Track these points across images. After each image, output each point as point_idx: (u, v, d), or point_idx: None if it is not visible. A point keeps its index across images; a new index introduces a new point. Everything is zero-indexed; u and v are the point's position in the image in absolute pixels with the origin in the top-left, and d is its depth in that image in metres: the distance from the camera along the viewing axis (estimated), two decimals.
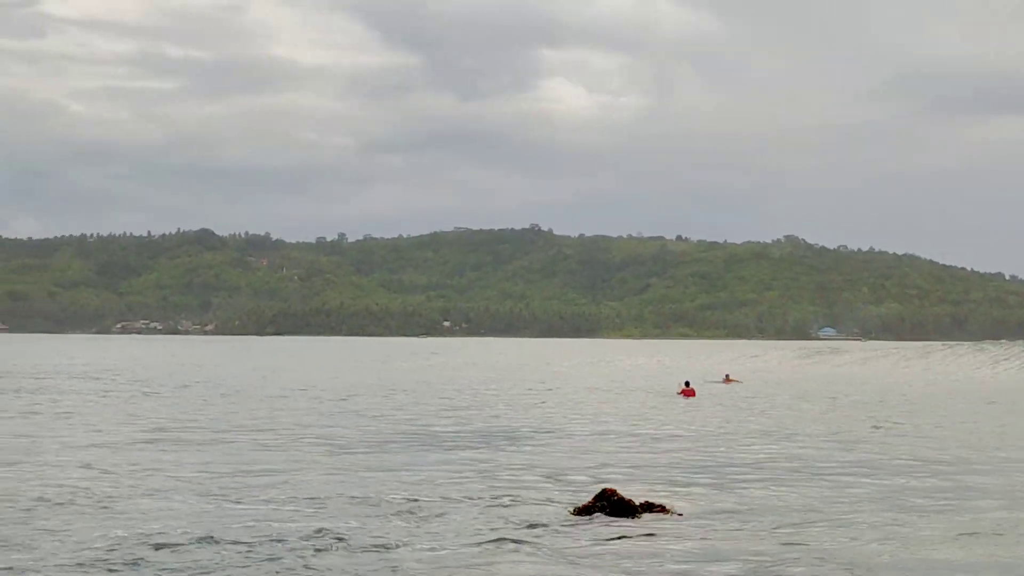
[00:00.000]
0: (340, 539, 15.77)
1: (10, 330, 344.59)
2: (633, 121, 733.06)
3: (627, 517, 17.31)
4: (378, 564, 14.27)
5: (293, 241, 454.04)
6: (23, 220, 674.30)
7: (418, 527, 16.86)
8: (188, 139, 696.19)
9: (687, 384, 54.72)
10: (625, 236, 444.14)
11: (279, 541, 15.51)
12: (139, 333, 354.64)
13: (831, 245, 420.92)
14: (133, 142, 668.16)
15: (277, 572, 13.80)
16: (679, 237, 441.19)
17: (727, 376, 70.85)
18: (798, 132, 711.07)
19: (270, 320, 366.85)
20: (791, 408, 45.42)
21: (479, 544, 15.61)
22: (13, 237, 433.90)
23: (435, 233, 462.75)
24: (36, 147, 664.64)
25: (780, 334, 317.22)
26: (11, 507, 18.27)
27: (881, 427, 35.40)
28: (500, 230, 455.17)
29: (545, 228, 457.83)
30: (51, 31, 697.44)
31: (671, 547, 15.36)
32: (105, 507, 18.42)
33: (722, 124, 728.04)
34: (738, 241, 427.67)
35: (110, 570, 13.92)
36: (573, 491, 20.13)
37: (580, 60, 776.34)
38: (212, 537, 15.71)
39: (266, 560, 14.37)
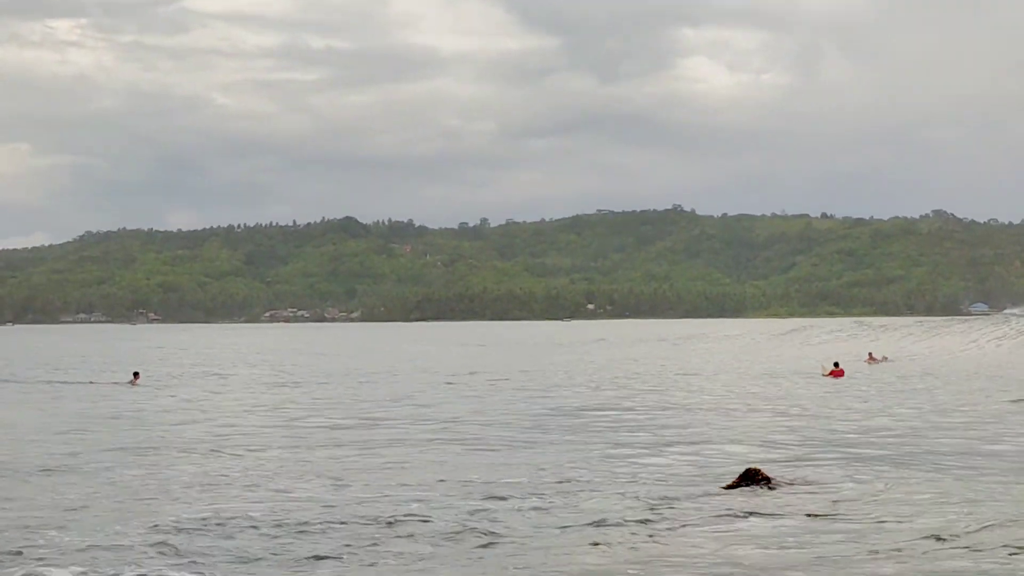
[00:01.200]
0: (492, 517, 16.13)
1: (163, 320, 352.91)
2: (775, 99, 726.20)
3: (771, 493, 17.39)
4: (537, 539, 14.58)
5: (436, 227, 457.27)
6: (175, 213, 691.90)
7: (575, 501, 17.25)
8: (332, 129, 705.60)
9: (836, 365, 53.98)
10: (769, 215, 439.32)
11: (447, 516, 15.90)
12: (287, 321, 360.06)
13: (981, 219, 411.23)
14: (278, 133, 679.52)
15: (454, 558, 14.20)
16: (824, 215, 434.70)
17: (870, 355, 69.27)
18: (944, 106, 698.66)
19: (415, 306, 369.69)
20: (943, 389, 44.61)
21: (633, 519, 16.04)
22: (164, 229, 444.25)
23: (577, 216, 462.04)
24: (185, 141, 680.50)
25: (930, 311, 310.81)
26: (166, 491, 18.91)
27: None
28: (642, 211, 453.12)
29: (688, 208, 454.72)
30: (195, 26, 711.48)
31: (811, 526, 15.41)
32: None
33: (866, 100, 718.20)
34: (884, 217, 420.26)
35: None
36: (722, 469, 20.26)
37: (721, 39, 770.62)
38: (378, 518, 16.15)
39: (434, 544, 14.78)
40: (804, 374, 55.19)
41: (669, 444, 24.96)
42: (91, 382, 49.95)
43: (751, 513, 16.29)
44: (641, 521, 15.95)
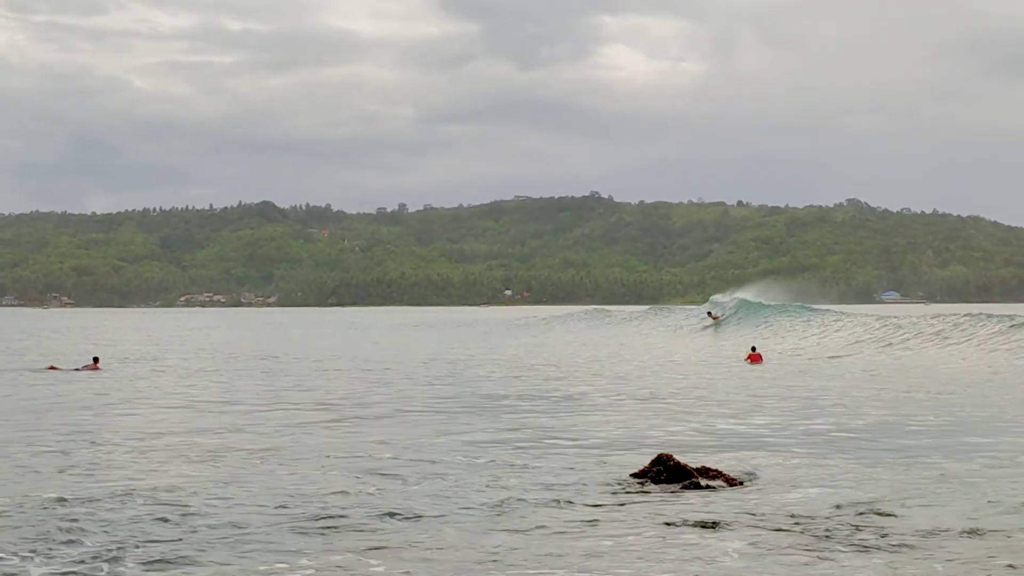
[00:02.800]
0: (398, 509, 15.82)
1: (76, 304, 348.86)
2: (693, 87, 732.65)
3: (682, 481, 17.19)
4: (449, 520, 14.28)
5: (354, 212, 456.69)
6: (90, 196, 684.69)
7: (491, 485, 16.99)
8: (249, 112, 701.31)
9: (753, 349, 53.86)
10: (686, 202, 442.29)
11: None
12: (202, 306, 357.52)
13: (894, 208, 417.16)
14: (195, 116, 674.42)
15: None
16: (740, 203, 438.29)
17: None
18: (860, 95, 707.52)
19: (332, 291, 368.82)
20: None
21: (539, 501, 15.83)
22: (79, 212, 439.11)
23: (495, 202, 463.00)
24: (101, 123, 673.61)
25: (844, 298, 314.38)
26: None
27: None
28: (560, 198, 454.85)
29: (605, 195, 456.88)
30: (112, 7, 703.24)
31: (719, 511, 15.26)
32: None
33: (782, 88, 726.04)
34: (800, 206, 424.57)
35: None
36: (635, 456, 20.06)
37: (639, 26, 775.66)
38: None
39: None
40: (722, 360, 55.15)
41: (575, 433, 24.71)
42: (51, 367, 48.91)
43: (655, 496, 16.15)
44: (549, 503, 15.78)
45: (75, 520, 14.66)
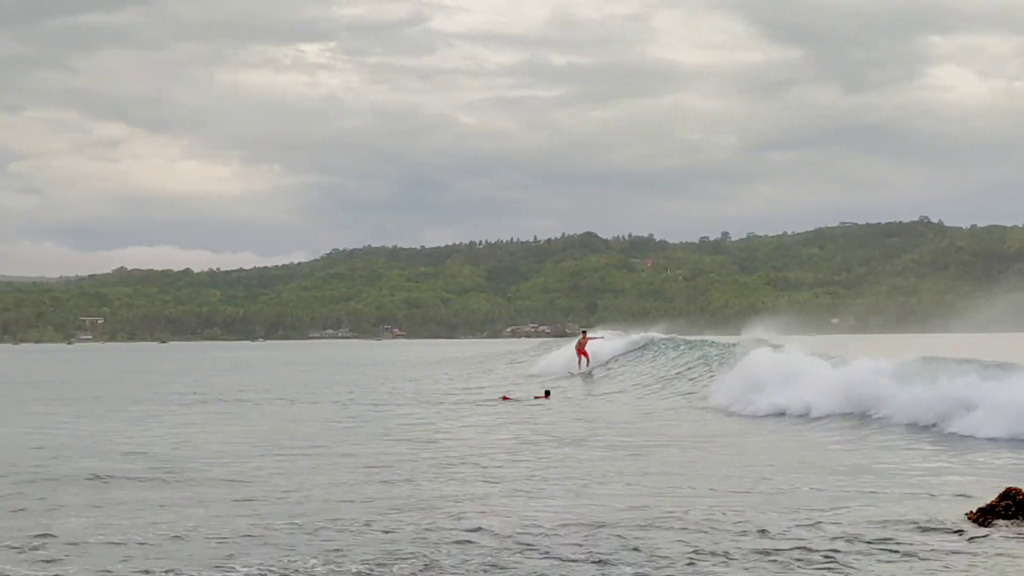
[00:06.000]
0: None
1: (407, 336, 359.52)
2: None
3: None
4: None
5: (677, 242, 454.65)
6: (419, 230, 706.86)
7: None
8: (573, 145, 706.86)
9: None
10: (1021, 225, 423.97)
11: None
12: (528, 336, 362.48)
13: None
14: (520, 150, 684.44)
15: None
16: None
17: None
18: None
19: (655, 321, 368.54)
20: None
21: None
22: (408, 246, 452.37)
23: (820, 229, 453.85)
24: (430, 159, 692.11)
25: None
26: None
27: None
28: (888, 223, 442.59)
29: (935, 220, 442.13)
30: (440, 47, 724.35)
31: None
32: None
33: None
34: None
35: None
36: None
37: (973, 45, 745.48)
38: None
39: None
40: None
41: None
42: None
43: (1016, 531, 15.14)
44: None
45: None
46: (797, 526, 17.10)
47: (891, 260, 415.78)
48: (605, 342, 67.47)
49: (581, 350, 66.23)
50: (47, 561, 15.75)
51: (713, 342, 66.34)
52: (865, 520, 17.34)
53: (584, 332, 69.73)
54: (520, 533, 16.98)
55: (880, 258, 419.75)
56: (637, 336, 76.68)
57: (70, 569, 15.23)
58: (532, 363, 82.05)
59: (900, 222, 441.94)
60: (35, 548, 16.53)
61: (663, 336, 77.10)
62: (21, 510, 20.00)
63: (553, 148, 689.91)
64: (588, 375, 64.09)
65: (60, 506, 20.44)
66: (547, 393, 52.60)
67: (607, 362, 67.10)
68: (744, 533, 16.70)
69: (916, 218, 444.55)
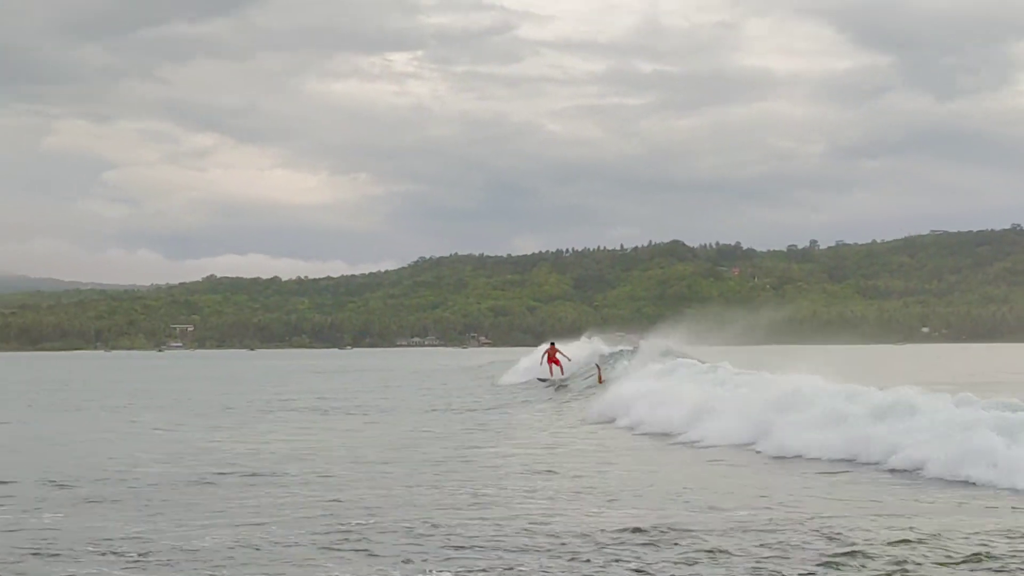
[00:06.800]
0: None
1: (493, 344, 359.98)
2: None
3: None
4: None
5: (764, 250, 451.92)
6: (506, 239, 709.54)
7: None
8: (659, 153, 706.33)
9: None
10: None
11: None
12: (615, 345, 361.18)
13: None
14: (607, 158, 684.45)
15: None
16: None
17: None
18: None
19: (742, 329, 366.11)
20: None
21: None
22: (495, 254, 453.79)
23: (910, 237, 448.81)
24: (517, 167, 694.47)
25: None
26: None
27: None
28: (979, 231, 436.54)
29: None
30: (527, 55, 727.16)
31: None
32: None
33: None
34: None
35: None
36: None
37: None
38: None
39: None
40: None
41: None
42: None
43: None
44: None
45: None
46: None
47: (982, 269, 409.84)
48: (571, 363, 65.25)
49: (552, 359, 65.10)
50: (162, 564, 16.17)
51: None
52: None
53: (552, 343, 68.14)
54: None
55: (971, 267, 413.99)
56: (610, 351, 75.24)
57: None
58: (498, 376, 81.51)
59: (991, 230, 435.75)
60: (145, 554, 16.93)
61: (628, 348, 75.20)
62: (156, 514, 20.60)
63: (640, 155, 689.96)
64: (561, 384, 62.65)
65: (171, 510, 20.94)
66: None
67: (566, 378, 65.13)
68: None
69: (1008, 226, 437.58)
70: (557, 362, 64.67)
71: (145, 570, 15.95)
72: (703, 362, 50.65)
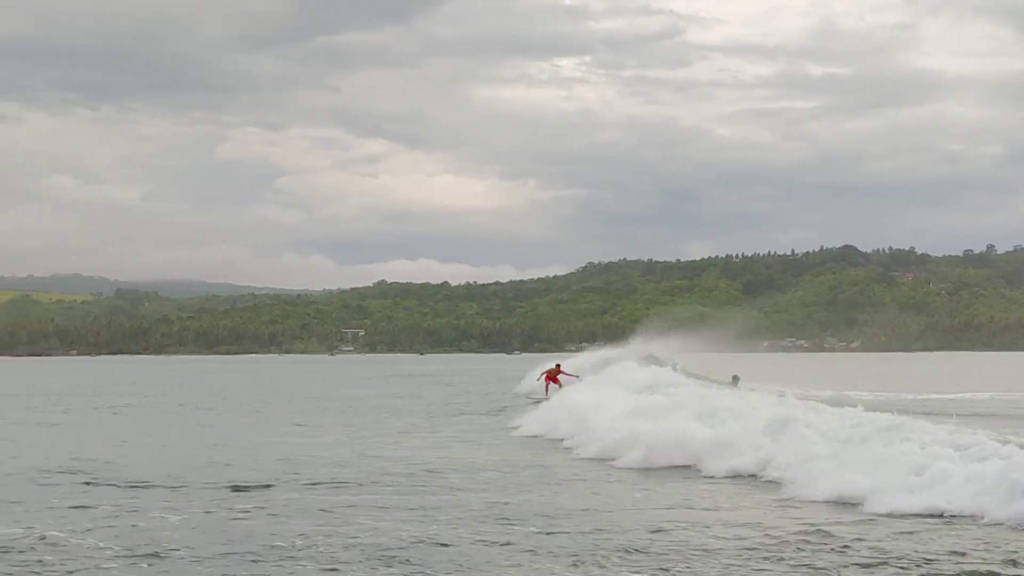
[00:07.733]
0: None
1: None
2: None
3: None
4: None
5: (939, 255, 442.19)
6: (674, 243, 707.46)
7: None
8: (829, 156, 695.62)
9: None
10: None
11: None
12: (785, 351, 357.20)
13: None
14: (776, 162, 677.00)
15: None
16: None
17: None
18: None
19: (917, 336, 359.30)
20: None
21: None
22: (663, 259, 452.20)
23: None
24: (685, 172, 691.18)
25: None
26: None
27: None
28: None
29: None
30: (695, 59, 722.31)
31: None
32: None
33: None
34: None
35: None
36: None
37: None
38: None
39: None
40: None
41: None
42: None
43: None
44: None
45: None
46: None
47: None
48: (579, 382, 63.00)
49: (552, 378, 63.12)
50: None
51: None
52: None
53: (558, 365, 66.15)
54: None
55: None
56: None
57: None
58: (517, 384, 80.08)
59: None
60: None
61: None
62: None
63: (810, 159, 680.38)
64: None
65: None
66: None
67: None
68: None
69: None
70: (557, 381, 63.42)
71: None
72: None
